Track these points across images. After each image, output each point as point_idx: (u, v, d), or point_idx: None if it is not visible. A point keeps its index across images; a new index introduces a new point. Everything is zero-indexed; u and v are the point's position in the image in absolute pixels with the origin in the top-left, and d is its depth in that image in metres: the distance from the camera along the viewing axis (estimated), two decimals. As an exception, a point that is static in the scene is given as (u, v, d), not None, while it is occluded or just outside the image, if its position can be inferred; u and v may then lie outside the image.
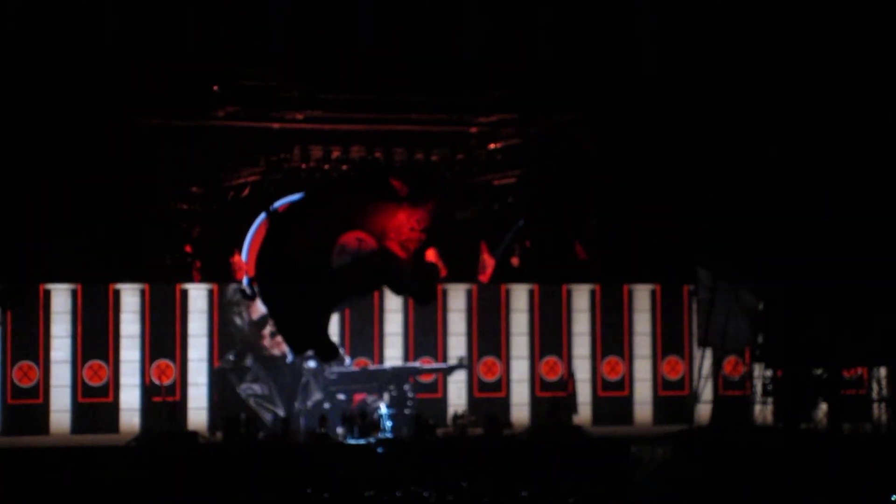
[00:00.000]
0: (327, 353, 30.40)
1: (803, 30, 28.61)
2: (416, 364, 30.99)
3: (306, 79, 30.70)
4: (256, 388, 30.42)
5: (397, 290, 30.75)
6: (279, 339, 30.45)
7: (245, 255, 30.57)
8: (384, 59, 30.50)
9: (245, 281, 30.26)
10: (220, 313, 30.47)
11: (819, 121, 28.27)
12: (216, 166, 30.70)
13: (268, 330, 30.69)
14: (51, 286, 29.88)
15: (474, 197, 31.03)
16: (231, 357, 30.52)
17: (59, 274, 29.74)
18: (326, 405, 30.15)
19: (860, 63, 28.62)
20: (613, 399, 31.69)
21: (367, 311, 31.02)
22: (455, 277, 31.20)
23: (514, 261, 31.46)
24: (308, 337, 30.13)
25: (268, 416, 30.09)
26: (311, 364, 30.56)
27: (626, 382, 31.81)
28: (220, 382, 30.43)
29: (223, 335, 30.50)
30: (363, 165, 30.69)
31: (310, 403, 30.30)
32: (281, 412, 29.97)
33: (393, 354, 31.09)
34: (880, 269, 28.00)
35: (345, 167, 30.85)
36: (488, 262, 31.38)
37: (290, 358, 30.59)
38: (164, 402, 29.37)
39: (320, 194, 30.59)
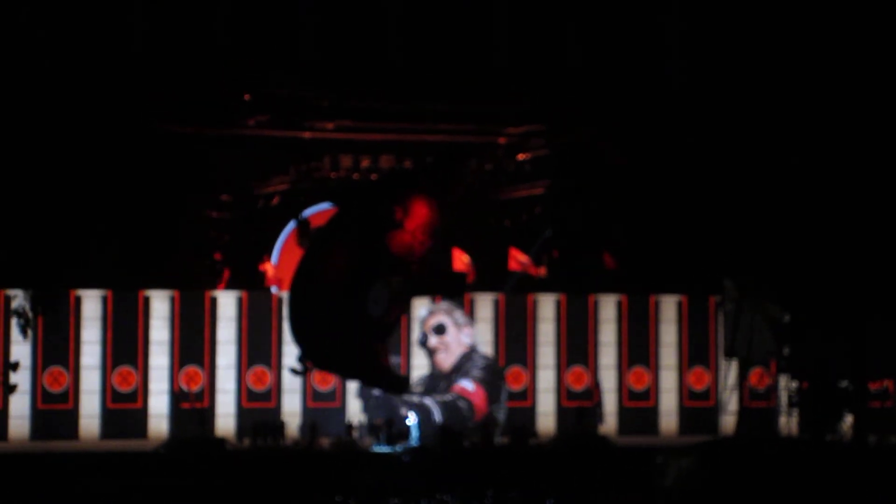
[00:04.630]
0: (397, 385, 30.48)
1: (836, 45, 28.60)
2: None
3: (337, 88, 30.86)
4: None
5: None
6: None
7: (274, 261, 30.76)
8: (414, 69, 30.62)
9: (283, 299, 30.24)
10: (249, 321, 30.60)
11: (851, 133, 28.26)
12: (246, 175, 30.89)
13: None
14: (81, 292, 30.01)
15: (454, 179, 30.99)
16: None
17: (89, 280, 29.86)
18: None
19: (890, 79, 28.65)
20: (639, 409, 31.68)
21: (395, 319, 31.11)
22: (482, 286, 31.30)
23: (542, 270, 31.55)
24: (357, 367, 30.14)
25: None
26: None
27: (652, 393, 31.80)
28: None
29: (252, 342, 30.70)
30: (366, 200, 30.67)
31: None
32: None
33: (420, 363, 31.15)
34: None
35: (374, 176, 31.02)
36: (524, 260, 31.42)
37: None
38: (192, 409, 29.53)
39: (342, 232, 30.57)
